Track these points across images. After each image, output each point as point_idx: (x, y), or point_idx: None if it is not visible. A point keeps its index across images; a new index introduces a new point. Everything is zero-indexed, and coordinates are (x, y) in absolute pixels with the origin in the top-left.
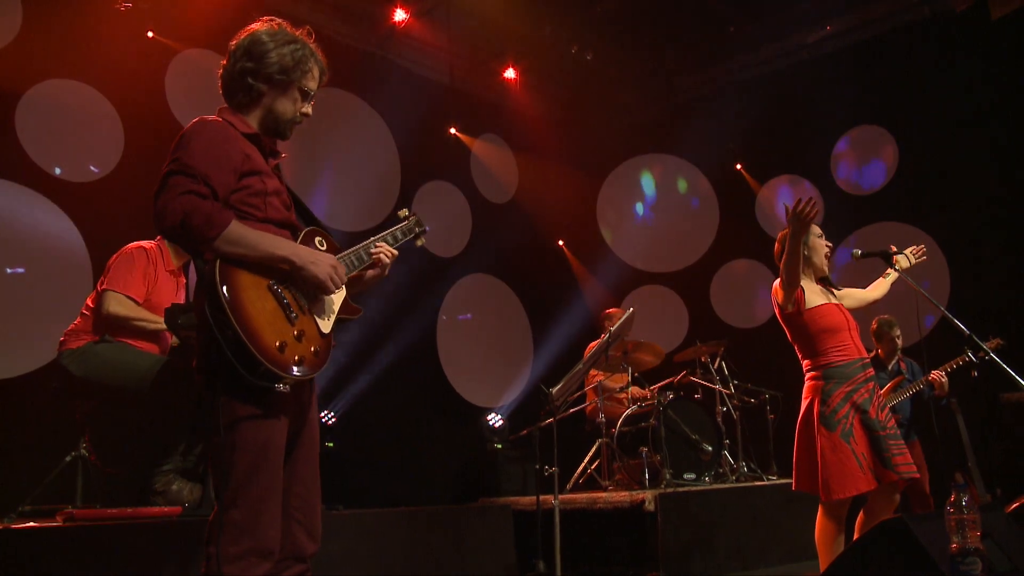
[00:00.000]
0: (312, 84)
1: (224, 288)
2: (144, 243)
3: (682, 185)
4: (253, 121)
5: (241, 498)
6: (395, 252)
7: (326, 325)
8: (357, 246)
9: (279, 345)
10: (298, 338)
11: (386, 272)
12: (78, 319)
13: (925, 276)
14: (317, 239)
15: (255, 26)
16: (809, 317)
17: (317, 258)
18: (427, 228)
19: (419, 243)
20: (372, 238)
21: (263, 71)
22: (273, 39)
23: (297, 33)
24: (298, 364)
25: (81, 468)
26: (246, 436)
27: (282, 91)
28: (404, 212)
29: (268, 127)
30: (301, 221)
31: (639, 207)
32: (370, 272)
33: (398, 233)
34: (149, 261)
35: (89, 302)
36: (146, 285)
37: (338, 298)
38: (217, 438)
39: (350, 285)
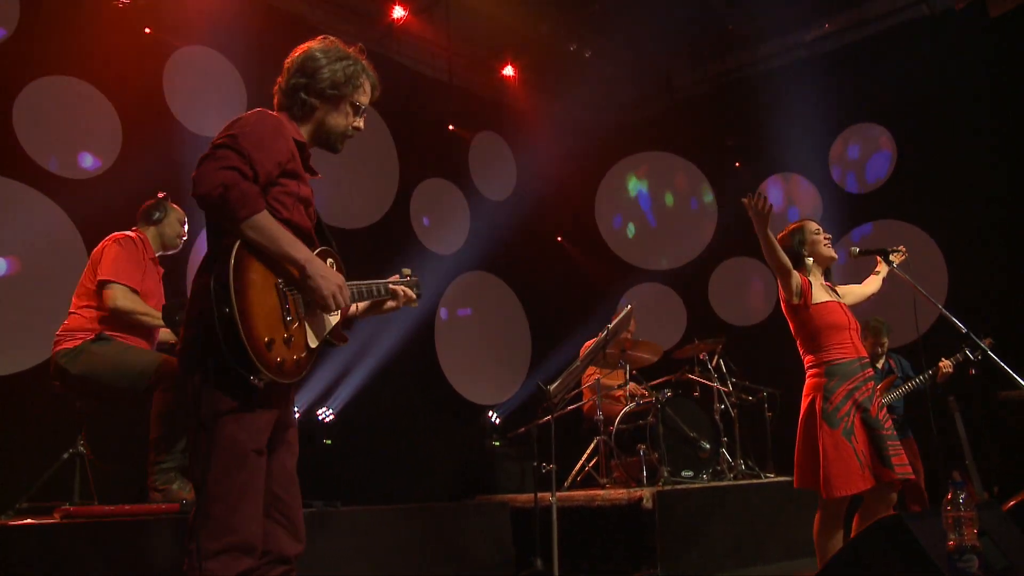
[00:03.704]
0: (364, 99)
1: (235, 267)
2: (128, 232)
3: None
4: (305, 132)
5: (222, 493)
6: (415, 296)
7: (314, 340)
8: (364, 281)
9: (268, 341)
10: (287, 342)
11: (400, 305)
12: (69, 318)
13: (922, 272)
14: (328, 260)
15: (309, 44)
16: (816, 312)
17: (328, 273)
18: (421, 293)
19: (412, 305)
20: (385, 280)
21: (316, 86)
22: (326, 55)
23: (350, 50)
24: (278, 366)
25: (79, 465)
26: (227, 431)
27: (334, 106)
28: (407, 271)
29: (320, 139)
30: (319, 240)
31: (636, 205)
32: (388, 303)
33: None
34: (138, 250)
35: (77, 299)
36: (140, 274)
37: (332, 320)
38: (198, 431)
39: (364, 311)
